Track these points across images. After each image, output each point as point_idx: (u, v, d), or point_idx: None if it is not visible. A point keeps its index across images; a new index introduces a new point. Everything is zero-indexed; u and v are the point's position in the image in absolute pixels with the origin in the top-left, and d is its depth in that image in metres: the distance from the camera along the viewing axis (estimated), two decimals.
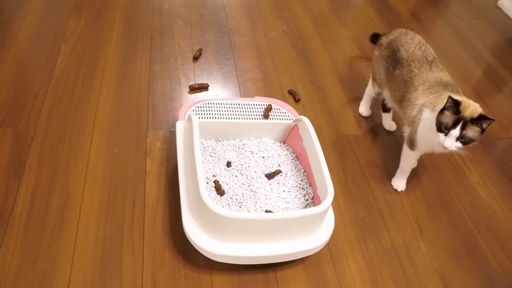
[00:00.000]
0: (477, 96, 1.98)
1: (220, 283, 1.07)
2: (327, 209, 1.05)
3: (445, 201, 1.42)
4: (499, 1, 2.77)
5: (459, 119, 1.12)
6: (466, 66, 2.14)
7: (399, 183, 1.42)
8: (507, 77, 2.17)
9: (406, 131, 1.37)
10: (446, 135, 1.15)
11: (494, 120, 1.11)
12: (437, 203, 1.41)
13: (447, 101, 1.14)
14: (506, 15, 2.70)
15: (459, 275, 1.22)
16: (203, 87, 1.60)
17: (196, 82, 1.61)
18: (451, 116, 1.13)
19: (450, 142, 1.15)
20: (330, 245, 1.21)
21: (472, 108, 1.13)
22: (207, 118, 1.33)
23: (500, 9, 2.75)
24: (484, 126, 1.12)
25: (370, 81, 1.59)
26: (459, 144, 1.15)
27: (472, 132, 1.12)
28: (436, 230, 1.33)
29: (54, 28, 1.72)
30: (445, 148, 1.16)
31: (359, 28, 2.21)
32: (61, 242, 1.08)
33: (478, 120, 1.11)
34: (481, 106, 1.17)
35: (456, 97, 1.22)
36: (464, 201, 1.44)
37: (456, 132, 1.13)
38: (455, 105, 1.12)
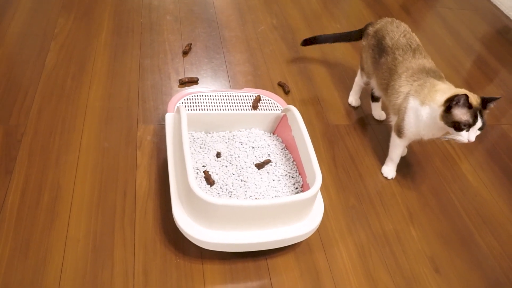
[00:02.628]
0: (468, 87, 1.98)
1: (212, 271, 1.08)
2: (315, 195, 1.06)
3: (435, 188, 1.43)
4: None
5: (475, 111, 1.13)
6: (456, 57, 2.16)
7: (389, 171, 1.43)
8: (497, 67, 2.18)
9: (393, 119, 1.38)
10: (467, 130, 1.15)
11: (500, 97, 1.15)
12: (427, 190, 1.42)
13: (456, 100, 1.12)
14: (495, 6, 2.71)
15: (449, 259, 1.24)
16: (193, 81, 1.60)
17: (186, 76, 1.62)
18: (468, 111, 1.13)
19: (474, 135, 1.16)
20: (321, 233, 1.22)
21: (471, 95, 1.15)
22: (197, 110, 1.34)
23: (488, 0, 2.76)
24: (493, 106, 1.15)
25: (359, 71, 1.60)
26: (478, 132, 1.16)
27: (486, 116, 1.15)
28: (427, 216, 1.34)
29: (43, 26, 1.72)
30: (470, 142, 1.16)
31: (349, 21, 2.22)
32: (52, 234, 1.08)
33: (488, 103, 1.14)
34: None
35: (443, 85, 1.23)
36: (454, 188, 1.45)
37: (479, 123, 1.14)
38: (467, 101, 1.12)
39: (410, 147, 1.55)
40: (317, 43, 1.78)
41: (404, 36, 1.38)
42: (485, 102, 1.14)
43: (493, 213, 1.39)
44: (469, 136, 1.15)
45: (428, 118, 1.22)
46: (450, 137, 1.19)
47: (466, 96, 1.11)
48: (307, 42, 1.79)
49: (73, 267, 1.03)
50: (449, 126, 1.16)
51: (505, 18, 2.62)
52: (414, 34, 1.41)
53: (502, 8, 2.66)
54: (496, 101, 1.14)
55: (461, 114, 1.13)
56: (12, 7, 1.79)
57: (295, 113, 1.26)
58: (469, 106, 1.12)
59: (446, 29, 2.37)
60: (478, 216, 1.38)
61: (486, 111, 1.15)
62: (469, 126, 1.14)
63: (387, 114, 1.63)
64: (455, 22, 2.46)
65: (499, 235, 1.33)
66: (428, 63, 1.33)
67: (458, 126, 1.14)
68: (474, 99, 1.14)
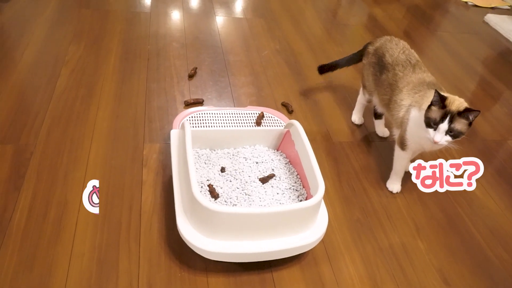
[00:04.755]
0: (472, 106, 2.00)
1: (216, 284, 1.07)
2: (319, 203, 1.06)
3: (441, 201, 1.42)
4: (485, 16, 2.85)
5: (446, 113, 1.14)
6: (460, 80, 2.18)
7: (394, 185, 1.43)
8: (501, 88, 2.20)
9: (396, 133, 1.39)
10: (435, 130, 1.17)
11: (479, 111, 1.13)
12: (433, 203, 1.41)
13: (434, 96, 1.17)
14: (494, 29, 2.77)
15: (458, 271, 1.21)
16: (198, 102, 1.64)
17: (192, 98, 1.66)
18: (438, 110, 1.16)
19: (440, 136, 1.16)
20: (326, 246, 1.21)
21: (457, 102, 1.16)
22: (202, 127, 1.36)
23: (487, 24, 2.82)
24: (471, 118, 1.14)
25: (361, 89, 1.63)
26: (448, 138, 1.17)
27: (460, 125, 1.14)
28: (433, 229, 1.33)
29: (55, 53, 1.79)
30: (435, 142, 1.17)
31: (351, 45, 2.27)
32: (57, 248, 1.09)
33: (465, 112, 1.13)
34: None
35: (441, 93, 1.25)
36: (460, 200, 1.44)
37: (444, 126, 1.15)
38: (440, 100, 1.15)
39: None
40: (333, 69, 1.75)
41: (404, 52, 1.41)
42: (465, 110, 1.13)
43: (501, 225, 1.38)
44: (434, 135, 1.17)
45: None
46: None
47: (439, 94, 1.15)
48: (323, 69, 1.77)
49: (78, 280, 1.03)
50: (424, 122, 1.19)
51: (505, 40, 2.66)
52: (413, 50, 1.45)
53: (502, 31, 2.71)
54: (474, 114, 1.13)
55: (432, 111, 1.17)
56: (26, 37, 1.87)
57: (298, 127, 1.28)
58: (443, 106, 1.15)
59: (448, 52, 2.42)
60: (486, 228, 1.36)
61: (463, 120, 1.14)
62: (436, 124, 1.16)
63: (390, 130, 1.64)
64: (456, 46, 2.51)
65: (509, 246, 1.31)
66: (428, 77, 1.35)
67: (427, 122, 1.18)
68: (455, 105, 1.15)
